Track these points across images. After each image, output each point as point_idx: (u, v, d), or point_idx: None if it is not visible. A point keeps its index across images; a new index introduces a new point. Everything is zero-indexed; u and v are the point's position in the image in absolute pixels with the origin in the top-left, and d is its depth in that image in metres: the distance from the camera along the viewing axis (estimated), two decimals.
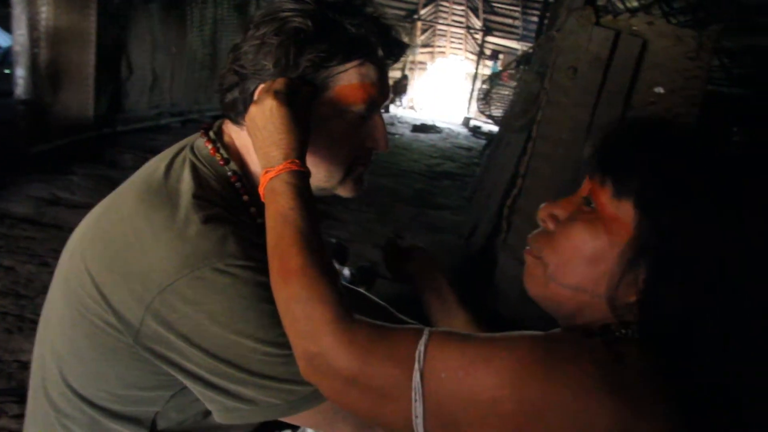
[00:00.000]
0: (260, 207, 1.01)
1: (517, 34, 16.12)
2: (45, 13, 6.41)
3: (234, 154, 1.05)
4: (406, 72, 17.21)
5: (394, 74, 17.14)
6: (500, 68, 15.18)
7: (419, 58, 17.82)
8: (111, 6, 6.74)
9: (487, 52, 16.89)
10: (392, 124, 14.10)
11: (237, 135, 1.06)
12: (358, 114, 1.01)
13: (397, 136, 12.50)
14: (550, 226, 0.84)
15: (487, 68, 16.47)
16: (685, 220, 0.70)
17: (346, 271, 3.22)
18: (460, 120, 16.56)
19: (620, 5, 9.15)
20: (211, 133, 1.06)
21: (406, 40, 1.05)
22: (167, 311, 0.88)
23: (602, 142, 0.81)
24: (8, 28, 6.58)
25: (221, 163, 1.03)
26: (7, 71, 8.01)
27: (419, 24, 17.34)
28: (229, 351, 0.89)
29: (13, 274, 3.37)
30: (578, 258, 0.79)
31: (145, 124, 7.76)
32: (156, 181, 0.98)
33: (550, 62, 3.79)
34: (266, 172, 0.92)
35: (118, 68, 7.19)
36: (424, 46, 17.82)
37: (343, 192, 1.08)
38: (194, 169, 1.00)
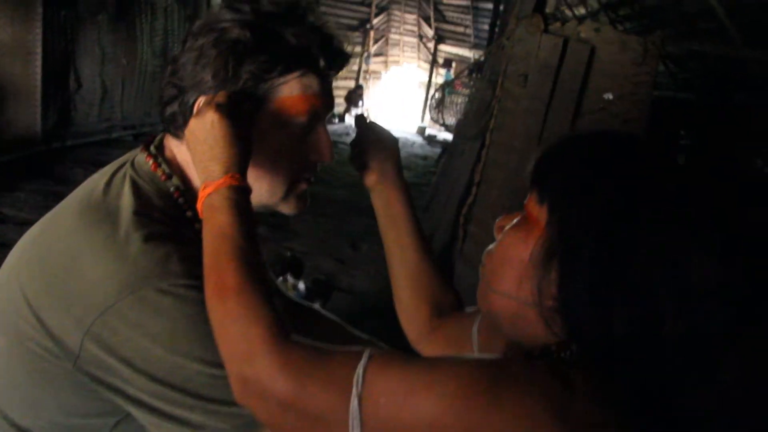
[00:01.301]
0: None
1: (469, 42, 16.26)
2: None
3: (176, 169, 1.02)
4: (360, 82, 17.22)
5: (348, 84, 17.14)
6: (453, 76, 15.32)
7: (373, 67, 17.76)
8: (57, 18, 6.59)
9: (440, 60, 17.03)
10: (347, 134, 14.05)
11: (178, 149, 1.03)
12: (300, 126, 0.99)
13: None
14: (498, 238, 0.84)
15: (440, 76, 16.58)
16: (587, 219, 0.71)
17: (302, 285, 3.19)
18: (415, 129, 16.66)
19: (568, 12, 9.33)
20: (152, 148, 1.03)
21: (348, 49, 1.05)
22: (108, 334, 0.85)
23: (541, 153, 0.82)
24: None
25: (163, 178, 1.00)
26: None
27: (372, 33, 17.33)
28: (174, 375, 0.86)
29: None
30: (505, 262, 0.80)
31: (96, 138, 7.61)
32: (95, 198, 0.95)
33: (500, 70, 3.83)
34: (205, 187, 0.89)
35: (66, 81, 7.03)
36: (377, 55, 17.79)
37: (286, 209, 1.06)
38: (135, 185, 0.97)
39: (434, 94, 5.18)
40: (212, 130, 0.90)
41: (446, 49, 17.15)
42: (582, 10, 8.84)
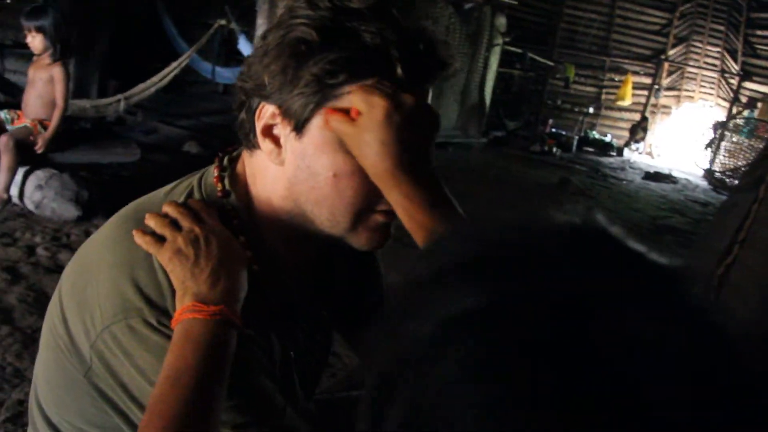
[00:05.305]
0: (259, 251, 0.89)
1: None
2: None
3: (240, 185, 0.91)
4: (647, 114, 16.09)
5: (633, 116, 16.10)
6: (756, 117, 13.57)
7: (663, 101, 16.39)
8: None
9: (743, 99, 15.21)
10: (623, 169, 13.20)
11: (248, 161, 0.92)
12: None
13: (624, 183, 11.67)
14: None
15: (742, 118, 14.76)
16: None
17: None
18: (702, 172, 15.05)
19: None
20: (226, 160, 0.94)
21: (444, 57, 0.83)
22: (109, 354, 0.80)
23: None
24: None
25: (219, 194, 0.90)
26: None
27: (666, 65, 16.09)
28: None
29: None
30: None
31: None
32: (145, 207, 0.89)
33: None
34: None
35: None
36: (670, 89, 16.44)
37: (356, 242, 0.89)
38: (189, 198, 0.90)
39: (712, 132, 4.55)
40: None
41: (752, 87, 15.27)
42: None
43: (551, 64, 14.60)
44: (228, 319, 0.78)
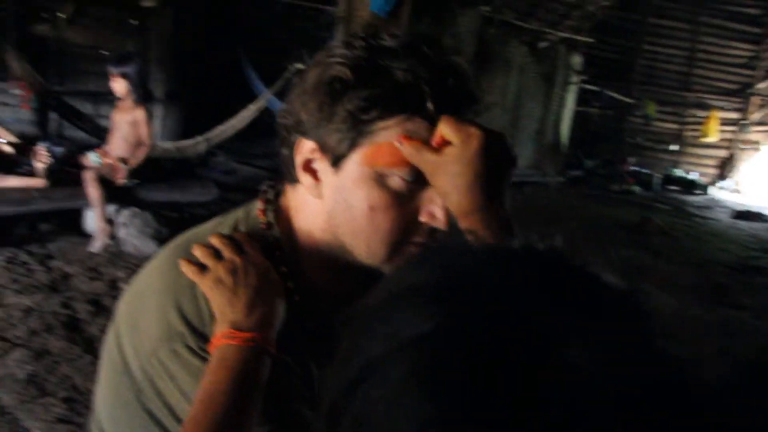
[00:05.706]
0: (300, 282, 0.92)
1: None
2: None
3: (283, 218, 0.95)
4: (734, 150, 15.47)
5: (718, 153, 15.52)
6: None
7: (751, 136, 15.75)
8: None
9: None
10: (708, 208, 12.69)
11: (292, 195, 0.95)
12: (403, 179, 0.82)
13: (712, 221, 11.21)
14: None
15: None
16: None
17: None
18: None
19: None
20: (271, 194, 0.98)
21: (473, 89, 0.85)
22: (156, 377, 0.83)
23: None
24: None
25: (263, 226, 0.94)
26: None
27: (754, 99, 15.47)
28: None
29: None
30: None
31: None
32: (193, 238, 0.94)
33: None
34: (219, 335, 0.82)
35: None
36: (759, 123, 15.78)
37: None
38: (234, 231, 0.94)
39: None
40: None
41: None
42: None
43: (630, 101, 14.30)
44: (261, 346, 0.80)
